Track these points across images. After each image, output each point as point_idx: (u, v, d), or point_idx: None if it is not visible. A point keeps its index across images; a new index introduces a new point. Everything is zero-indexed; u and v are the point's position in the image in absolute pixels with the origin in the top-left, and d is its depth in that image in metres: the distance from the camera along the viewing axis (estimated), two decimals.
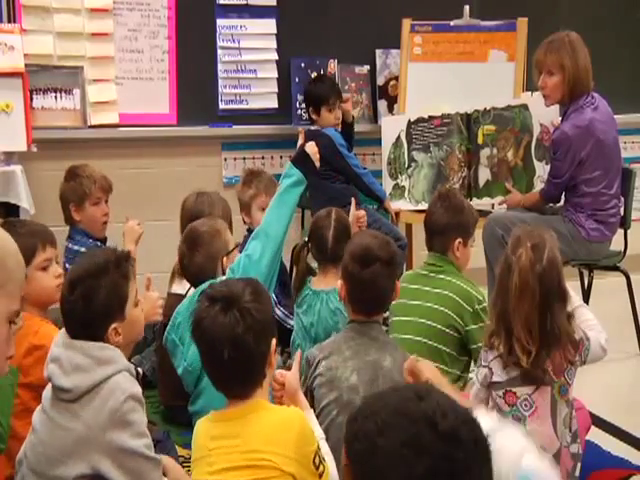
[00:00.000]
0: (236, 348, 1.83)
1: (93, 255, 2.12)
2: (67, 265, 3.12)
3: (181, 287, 3.17)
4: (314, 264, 3.25)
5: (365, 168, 4.29)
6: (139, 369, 3.33)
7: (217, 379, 1.93)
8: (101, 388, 1.91)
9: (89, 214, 3.45)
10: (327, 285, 3.04)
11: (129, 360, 3.28)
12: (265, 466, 1.80)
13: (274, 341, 1.94)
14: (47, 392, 1.99)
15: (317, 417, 2.30)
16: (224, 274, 2.91)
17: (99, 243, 3.49)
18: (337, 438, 2.24)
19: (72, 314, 1.96)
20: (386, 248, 2.41)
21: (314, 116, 4.26)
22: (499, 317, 2.23)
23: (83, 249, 3.38)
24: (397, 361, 2.27)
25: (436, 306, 2.83)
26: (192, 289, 2.92)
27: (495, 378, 2.23)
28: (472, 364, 2.91)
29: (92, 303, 1.95)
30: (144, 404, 2.00)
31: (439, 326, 2.81)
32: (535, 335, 2.14)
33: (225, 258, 2.92)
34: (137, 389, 1.97)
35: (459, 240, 2.94)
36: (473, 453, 1.13)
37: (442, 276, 2.88)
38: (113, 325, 1.98)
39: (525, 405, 2.18)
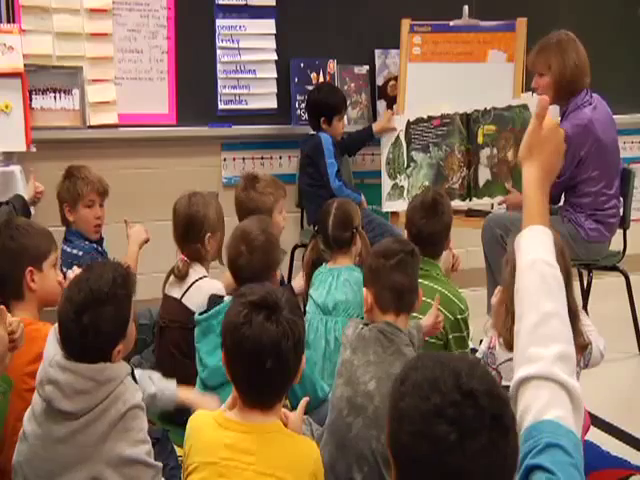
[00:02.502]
0: (280, 360, 1.80)
1: (96, 275, 1.97)
2: (64, 269, 3.05)
3: (177, 290, 3.17)
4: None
5: (341, 179, 4.22)
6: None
7: (248, 386, 1.86)
8: (102, 403, 1.89)
9: (81, 216, 3.44)
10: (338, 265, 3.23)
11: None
12: None
13: (304, 357, 1.92)
14: (38, 404, 1.95)
15: (330, 403, 2.34)
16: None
17: (95, 245, 3.48)
18: (341, 436, 2.25)
19: (78, 340, 1.91)
20: (406, 242, 2.54)
21: (324, 125, 4.25)
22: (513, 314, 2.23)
23: (79, 252, 3.36)
24: None
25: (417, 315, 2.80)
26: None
27: (504, 382, 2.24)
28: None
29: (101, 331, 1.91)
30: (145, 409, 1.98)
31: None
32: None
33: (279, 271, 2.89)
34: (138, 396, 1.95)
35: (449, 237, 3.06)
36: (485, 421, 1.15)
37: (426, 282, 2.83)
38: (118, 348, 1.96)
39: None
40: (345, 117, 4.42)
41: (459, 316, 2.85)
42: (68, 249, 3.41)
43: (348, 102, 4.62)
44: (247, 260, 2.74)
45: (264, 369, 1.79)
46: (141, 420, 1.93)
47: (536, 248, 1.50)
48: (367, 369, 2.25)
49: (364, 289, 2.42)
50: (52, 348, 1.99)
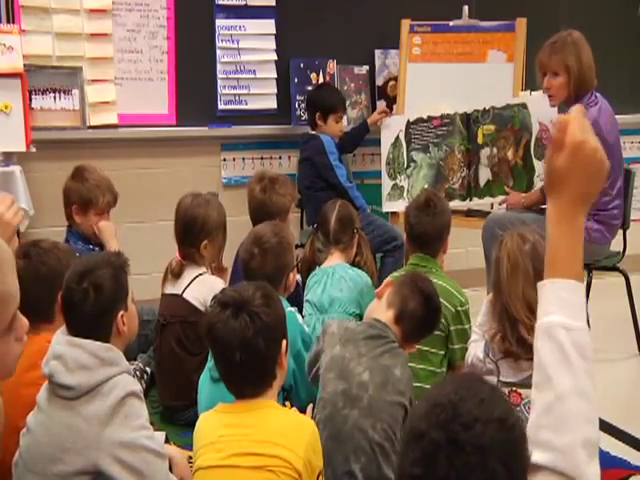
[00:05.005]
0: (247, 351, 1.91)
1: (91, 254, 2.21)
2: None
3: (175, 287, 3.17)
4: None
5: (352, 182, 4.25)
6: (147, 369, 3.35)
7: (229, 380, 2.01)
8: (102, 387, 1.92)
9: (90, 221, 3.44)
10: (333, 264, 3.26)
11: (134, 358, 3.29)
12: (275, 456, 1.85)
13: (284, 343, 2.00)
14: (42, 393, 1.98)
15: (319, 400, 2.32)
16: (286, 289, 2.87)
17: (92, 247, 3.47)
18: (338, 429, 2.25)
19: (82, 304, 1.99)
20: None
21: (320, 122, 4.25)
22: (500, 313, 2.25)
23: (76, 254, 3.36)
24: (404, 376, 2.28)
25: None
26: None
27: (502, 378, 2.25)
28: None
29: (103, 290, 2.00)
30: (144, 400, 2.00)
31: None
32: (535, 310, 2.15)
33: (292, 274, 2.88)
34: (137, 387, 1.99)
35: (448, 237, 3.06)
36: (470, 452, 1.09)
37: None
38: (121, 313, 2.03)
39: (529, 408, 2.18)
40: (345, 118, 4.42)
41: (460, 308, 2.87)
42: None
43: (348, 102, 4.62)
44: (259, 262, 2.76)
45: (235, 362, 1.92)
46: (140, 408, 1.96)
47: (552, 307, 1.33)
48: (360, 360, 2.28)
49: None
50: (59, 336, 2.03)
